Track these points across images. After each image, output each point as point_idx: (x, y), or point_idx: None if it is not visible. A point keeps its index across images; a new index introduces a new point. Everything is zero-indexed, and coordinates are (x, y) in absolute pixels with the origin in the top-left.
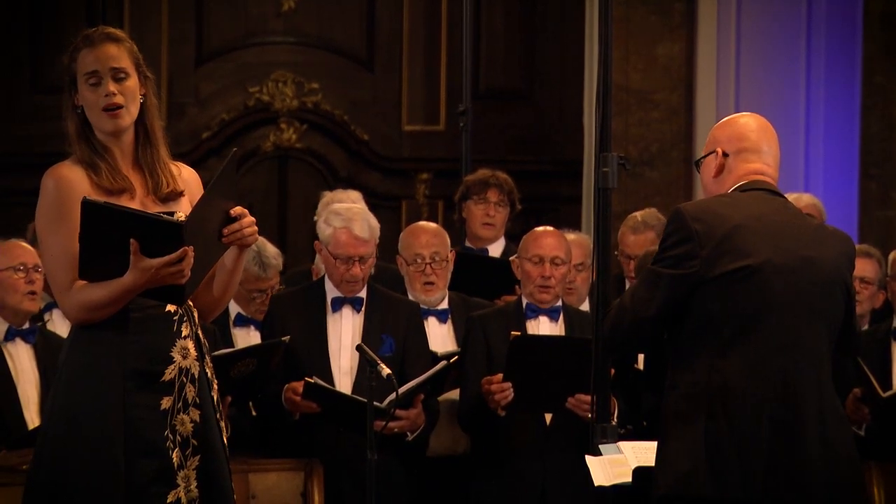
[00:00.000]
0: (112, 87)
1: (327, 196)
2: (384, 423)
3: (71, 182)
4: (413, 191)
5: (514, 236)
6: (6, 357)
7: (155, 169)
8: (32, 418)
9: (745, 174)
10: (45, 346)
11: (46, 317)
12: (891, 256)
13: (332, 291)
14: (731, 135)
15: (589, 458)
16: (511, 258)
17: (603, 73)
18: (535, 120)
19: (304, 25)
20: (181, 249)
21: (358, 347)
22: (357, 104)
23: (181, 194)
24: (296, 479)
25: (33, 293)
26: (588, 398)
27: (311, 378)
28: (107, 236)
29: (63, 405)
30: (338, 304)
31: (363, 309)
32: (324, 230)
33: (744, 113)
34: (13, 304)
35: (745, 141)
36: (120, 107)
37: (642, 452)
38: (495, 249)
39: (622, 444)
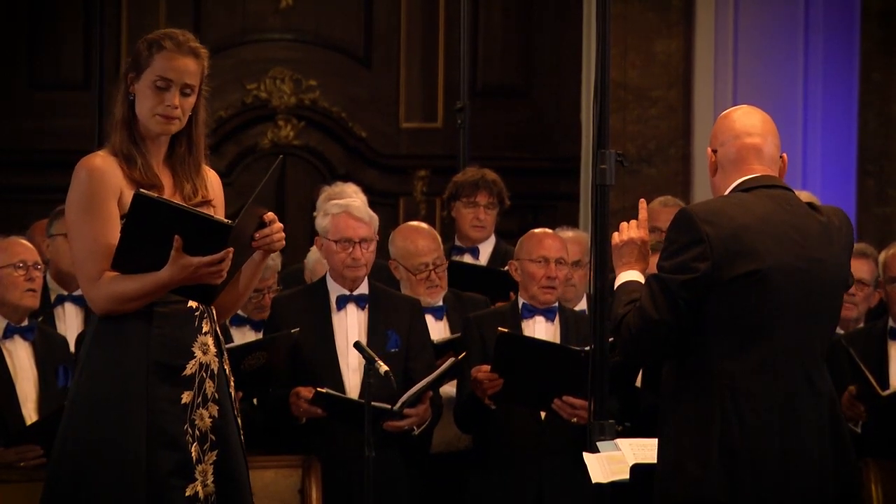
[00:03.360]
0: (177, 100)
1: (326, 191)
2: (400, 424)
3: (104, 173)
4: (411, 188)
5: (509, 234)
6: (4, 354)
7: (190, 177)
8: (30, 415)
9: (742, 170)
10: (43, 344)
11: (58, 312)
12: (880, 258)
13: (335, 290)
14: (721, 130)
15: (587, 455)
16: (510, 262)
17: (601, 69)
18: (532, 117)
19: (302, 22)
20: (225, 250)
21: (356, 345)
22: (355, 101)
23: (209, 202)
24: (293, 475)
25: (33, 290)
26: (575, 401)
27: (323, 388)
28: (151, 230)
29: (87, 395)
30: (342, 302)
31: (367, 305)
32: (322, 221)
33: (738, 106)
34: (12, 300)
35: (731, 142)
36: (176, 118)
37: (640, 449)
38: (486, 248)
39: (620, 441)
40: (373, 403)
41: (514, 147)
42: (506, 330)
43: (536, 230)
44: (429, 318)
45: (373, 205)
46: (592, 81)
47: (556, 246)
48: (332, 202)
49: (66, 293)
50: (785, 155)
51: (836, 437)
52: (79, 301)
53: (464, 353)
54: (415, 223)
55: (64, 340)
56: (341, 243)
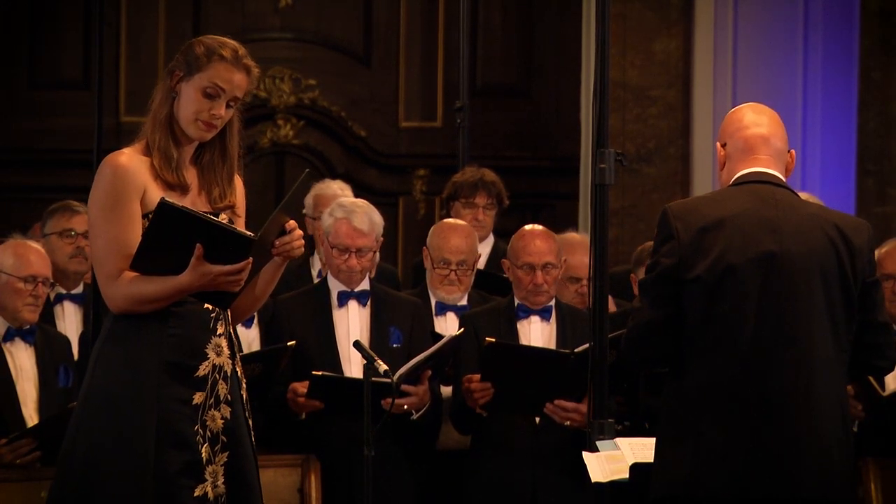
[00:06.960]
0: (222, 110)
1: (315, 187)
2: (399, 402)
3: (129, 171)
4: (410, 187)
5: (509, 234)
6: (6, 355)
7: (220, 183)
8: (31, 415)
9: (742, 166)
10: (45, 344)
11: (56, 310)
12: (874, 255)
13: (336, 287)
14: (729, 123)
15: (586, 455)
16: (503, 260)
17: (600, 69)
18: (532, 116)
19: (302, 21)
20: (245, 262)
21: (355, 344)
22: (354, 100)
23: (232, 207)
24: (293, 474)
25: (34, 305)
26: (567, 404)
27: (318, 372)
28: (173, 236)
29: (99, 391)
30: (344, 299)
31: (369, 302)
32: (326, 221)
33: (746, 103)
34: (12, 309)
35: (739, 132)
36: (215, 127)
37: (639, 449)
38: (484, 249)
39: (619, 440)
40: (371, 379)
41: (513, 146)
42: (493, 340)
43: (526, 230)
44: (451, 317)
45: (372, 204)
46: (592, 81)
47: (543, 250)
48: (340, 202)
49: (64, 292)
50: (793, 151)
51: (826, 434)
52: (77, 299)
53: (462, 329)
54: (460, 222)
55: (66, 340)
56: (337, 249)
